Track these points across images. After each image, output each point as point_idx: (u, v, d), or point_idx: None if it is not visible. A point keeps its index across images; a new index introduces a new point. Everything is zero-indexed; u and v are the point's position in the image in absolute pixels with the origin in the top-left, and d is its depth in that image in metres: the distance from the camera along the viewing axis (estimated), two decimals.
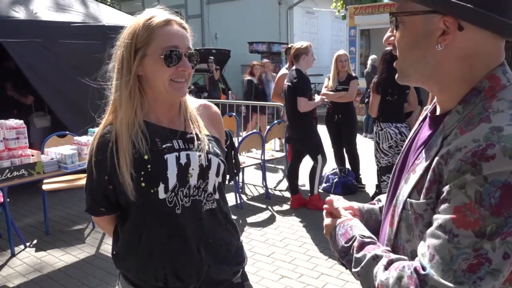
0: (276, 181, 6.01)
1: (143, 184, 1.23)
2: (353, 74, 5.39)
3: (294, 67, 4.69)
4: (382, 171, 4.56)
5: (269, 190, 5.45)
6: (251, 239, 4.04)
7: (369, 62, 9.08)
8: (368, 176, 5.97)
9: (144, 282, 1.30)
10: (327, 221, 1.09)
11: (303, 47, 4.59)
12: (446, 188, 0.77)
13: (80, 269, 3.50)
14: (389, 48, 4.83)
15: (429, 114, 0.96)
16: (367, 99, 5.10)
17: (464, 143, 0.76)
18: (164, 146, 1.28)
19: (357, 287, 3.13)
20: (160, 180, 1.24)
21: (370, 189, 5.40)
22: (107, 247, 3.90)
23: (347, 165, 5.62)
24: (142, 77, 1.27)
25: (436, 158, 0.80)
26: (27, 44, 4.99)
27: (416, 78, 0.91)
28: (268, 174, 5.73)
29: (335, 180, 5.39)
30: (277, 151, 6.55)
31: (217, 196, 1.35)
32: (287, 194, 5.27)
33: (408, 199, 0.86)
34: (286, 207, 4.94)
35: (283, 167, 6.28)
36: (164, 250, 1.28)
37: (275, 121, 5.96)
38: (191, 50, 1.27)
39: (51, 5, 5.57)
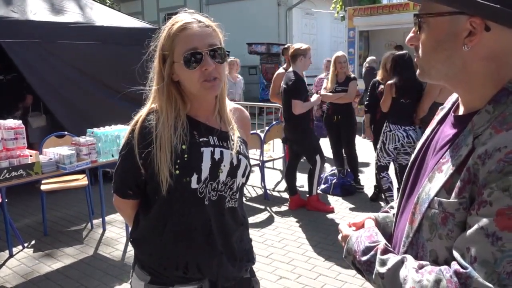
0: (275, 182, 6.02)
1: (177, 172, 1.27)
2: (352, 75, 5.40)
3: (291, 69, 4.69)
4: (381, 169, 4.61)
5: (268, 191, 5.46)
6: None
7: (366, 64, 9.07)
8: (367, 177, 5.98)
9: (164, 269, 1.34)
10: (348, 230, 1.08)
11: (302, 49, 4.59)
12: (486, 190, 0.75)
13: (78, 270, 3.50)
14: (393, 52, 4.87)
15: (452, 113, 0.95)
16: (367, 102, 5.13)
17: (503, 143, 0.75)
18: (201, 139, 1.34)
19: None
20: (194, 170, 1.29)
21: (369, 190, 5.41)
22: (105, 248, 3.90)
23: (346, 166, 5.62)
24: (180, 81, 1.32)
25: (472, 158, 0.79)
26: (26, 44, 4.99)
27: (439, 77, 0.91)
28: (266, 175, 5.73)
29: (333, 181, 5.39)
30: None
31: (238, 195, 1.41)
32: (286, 195, 5.27)
33: (436, 197, 0.85)
34: (284, 208, 4.94)
35: (281, 168, 6.29)
36: (190, 238, 1.31)
37: (274, 122, 5.96)
38: (214, 46, 1.27)
39: (50, 6, 5.57)
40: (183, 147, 1.29)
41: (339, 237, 1.10)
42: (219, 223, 1.34)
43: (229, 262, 1.36)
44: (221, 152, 1.34)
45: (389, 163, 4.58)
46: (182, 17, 1.29)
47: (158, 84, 1.31)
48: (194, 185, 1.29)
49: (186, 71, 1.27)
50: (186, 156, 1.28)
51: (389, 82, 4.42)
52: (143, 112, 1.36)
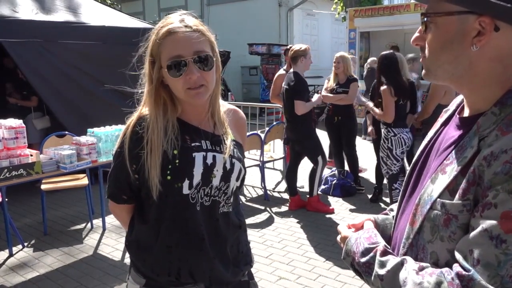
0: (275, 182, 6.01)
1: (168, 178, 1.26)
2: (353, 76, 5.39)
3: (291, 70, 4.69)
4: (393, 178, 4.36)
5: (268, 192, 5.46)
6: (250, 241, 4.02)
7: (367, 65, 9.06)
8: (367, 178, 5.98)
9: (157, 275, 1.33)
10: (347, 232, 1.07)
11: (301, 50, 4.60)
12: (491, 192, 0.74)
13: (78, 269, 3.50)
14: (385, 52, 4.85)
15: (457, 115, 0.94)
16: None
17: (509, 145, 0.74)
18: (193, 144, 1.31)
19: None
20: (186, 175, 1.27)
21: (369, 191, 5.40)
22: (105, 248, 3.90)
23: (346, 167, 5.62)
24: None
25: (477, 160, 0.78)
26: (27, 44, 5.00)
27: (445, 77, 0.89)
28: (267, 175, 5.73)
29: (333, 182, 5.39)
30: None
31: (232, 200, 1.39)
32: (286, 196, 5.27)
33: (438, 199, 0.84)
34: (284, 208, 4.94)
35: (282, 168, 6.29)
36: (181, 245, 1.30)
37: (274, 123, 5.96)
38: (200, 53, 1.23)
39: (51, 5, 5.57)
40: (175, 152, 1.26)
41: (338, 238, 1.09)
42: (212, 228, 1.33)
43: (222, 267, 1.34)
44: (214, 157, 1.31)
45: (400, 169, 4.35)
46: (171, 20, 1.25)
47: (149, 87, 1.29)
48: (185, 190, 1.27)
49: (171, 78, 1.24)
50: (177, 161, 1.26)
51: (384, 87, 4.19)
52: (134, 116, 1.34)
